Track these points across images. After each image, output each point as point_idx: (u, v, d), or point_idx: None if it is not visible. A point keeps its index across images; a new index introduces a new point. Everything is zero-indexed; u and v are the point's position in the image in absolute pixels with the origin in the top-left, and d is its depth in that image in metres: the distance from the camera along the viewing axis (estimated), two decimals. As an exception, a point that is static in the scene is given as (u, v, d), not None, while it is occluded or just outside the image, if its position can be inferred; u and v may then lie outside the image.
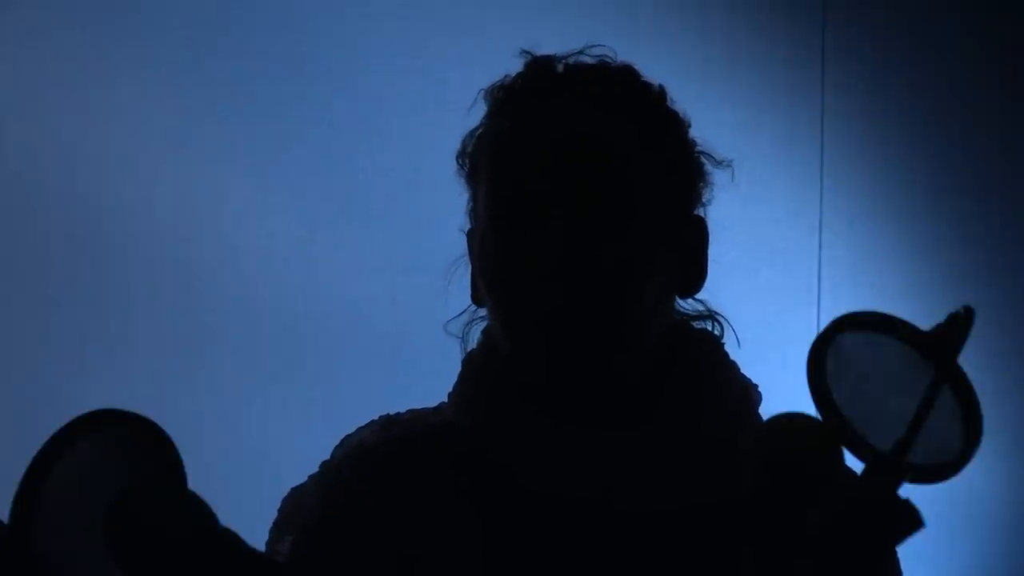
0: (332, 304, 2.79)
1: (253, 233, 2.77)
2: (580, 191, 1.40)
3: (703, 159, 1.51)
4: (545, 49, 1.50)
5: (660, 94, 1.49)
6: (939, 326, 1.19)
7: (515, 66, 1.50)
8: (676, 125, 1.50)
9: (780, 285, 2.96)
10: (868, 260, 3.02)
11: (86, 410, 1.17)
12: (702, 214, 1.50)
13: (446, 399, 1.51)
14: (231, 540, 1.17)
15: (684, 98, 1.51)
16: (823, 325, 1.21)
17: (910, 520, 1.15)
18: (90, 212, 2.72)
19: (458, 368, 1.51)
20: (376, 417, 1.54)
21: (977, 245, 3.04)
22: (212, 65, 2.77)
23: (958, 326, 1.18)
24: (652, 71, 1.50)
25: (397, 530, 1.42)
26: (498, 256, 1.42)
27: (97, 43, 2.73)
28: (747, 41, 2.98)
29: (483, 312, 1.50)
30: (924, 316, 1.20)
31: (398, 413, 1.53)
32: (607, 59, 1.49)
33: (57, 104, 2.72)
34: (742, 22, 2.98)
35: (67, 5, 2.73)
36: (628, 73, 1.49)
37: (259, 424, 2.74)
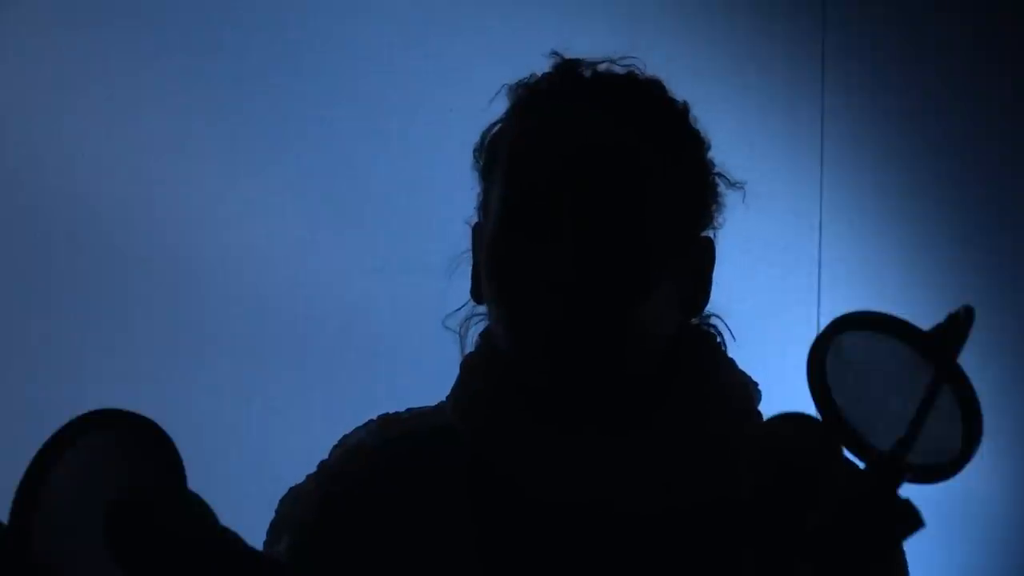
0: (332, 304, 2.79)
1: (253, 233, 2.77)
2: (592, 203, 1.38)
3: (718, 181, 1.49)
4: (545, 53, 1.49)
5: (683, 112, 1.48)
6: (939, 326, 1.19)
7: (514, 68, 1.49)
8: (696, 145, 1.48)
9: (780, 285, 2.96)
10: (868, 260, 3.01)
11: (86, 410, 1.17)
12: (711, 236, 1.49)
13: (445, 399, 1.51)
14: (231, 540, 1.17)
15: (684, 98, 1.50)
16: (823, 325, 1.21)
17: (910, 520, 1.15)
18: (90, 212, 2.72)
19: (456, 368, 1.51)
20: (375, 417, 1.53)
21: (977, 245, 3.04)
22: (211, 65, 2.77)
23: (958, 326, 1.17)
24: (652, 70, 1.49)
25: (393, 534, 1.42)
26: (506, 262, 1.40)
27: (97, 43, 2.73)
28: (747, 41, 2.98)
29: (482, 309, 1.49)
30: (924, 316, 1.20)
31: (397, 412, 1.53)
32: (636, 69, 1.47)
33: (57, 104, 2.72)
34: (742, 22, 2.98)
35: (67, 5, 2.73)
36: (654, 87, 1.47)
37: (259, 424, 2.74)
